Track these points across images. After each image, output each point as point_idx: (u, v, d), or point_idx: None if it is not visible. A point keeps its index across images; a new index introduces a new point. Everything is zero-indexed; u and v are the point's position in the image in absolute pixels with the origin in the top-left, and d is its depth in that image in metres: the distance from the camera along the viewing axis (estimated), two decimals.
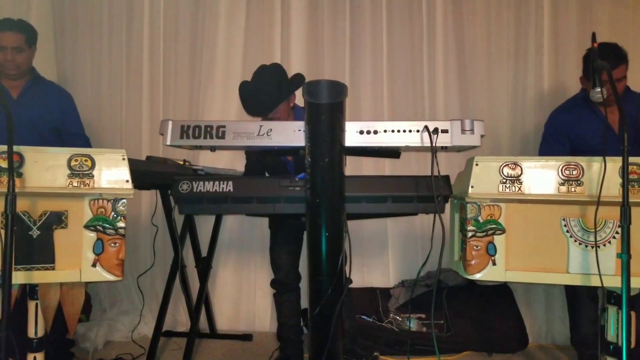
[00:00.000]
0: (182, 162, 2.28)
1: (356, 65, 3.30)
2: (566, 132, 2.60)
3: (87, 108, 3.29)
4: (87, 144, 2.65)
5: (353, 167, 3.16)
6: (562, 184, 1.71)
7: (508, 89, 3.25)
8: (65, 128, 2.59)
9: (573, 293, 2.66)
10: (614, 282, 1.65)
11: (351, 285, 3.14)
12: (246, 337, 3.01)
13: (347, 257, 1.74)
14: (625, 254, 1.51)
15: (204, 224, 3.04)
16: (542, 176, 1.71)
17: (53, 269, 1.58)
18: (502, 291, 2.94)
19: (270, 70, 2.41)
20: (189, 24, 3.36)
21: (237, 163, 3.10)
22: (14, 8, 2.90)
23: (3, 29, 2.40)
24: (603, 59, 2.44)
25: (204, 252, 2.90)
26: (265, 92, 2.30)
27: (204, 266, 2.79)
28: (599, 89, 1.82)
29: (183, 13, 3.36)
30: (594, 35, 1.85)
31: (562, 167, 1.71)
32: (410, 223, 3.21)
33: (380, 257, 3.23)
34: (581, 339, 2.61)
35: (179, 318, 3.19)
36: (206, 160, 3.12)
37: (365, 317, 2.85)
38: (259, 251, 3.28)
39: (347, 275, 1.78)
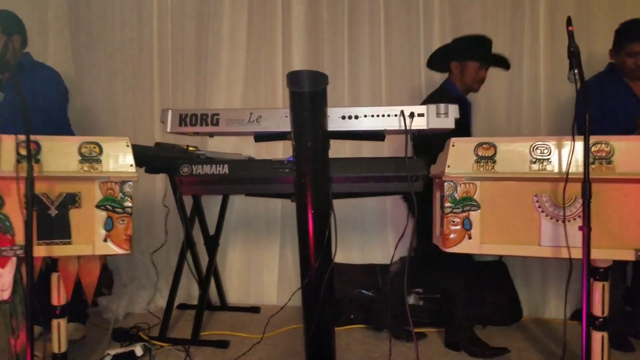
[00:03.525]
0: (185, 148, 2.47)
1: (354, 51, 3.43)
2: (597, 100, 2.64)
3: (101, 98, 3.53)
4: (52, 122, 2.57)
5: (355, 150, 3.32)
6: (534, 162, 1.82)
7: (505, 73, 3.32)
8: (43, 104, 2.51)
9: None
10: (581, 254, 1.76)
11: (353, 262, 3.33)
12: (254, 309, 3.23)
13: (333, 233, 1.89)
14: (586, 227, 1.64)
15: (214, 206, 3.24)
16: (514, 155, 1.81)
17: (70, 243, 1.78)
18: (496, 266, 3.07)
19: None
20: (194, 18, 3.53)
21: (244, 148, 3.29)
22: (32, 7, 3.08)
23: None
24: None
25: (214, 232, 3.09)
26: None
27: (212, 243, 2.99)
28: (574, 71, 1.88)
29: (189, 7, 3.53)
30: (569, 19, 1.94)
31: (533, 147, 1.81)
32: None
33: (381, 235, 3.38)
34: None
35: (192, 292, 3.41)
36: (214, 146, 3.31)
37: (364, 292, 3.02)
38: (264, 231, 3.48)
39: (334, 251, 1.93)
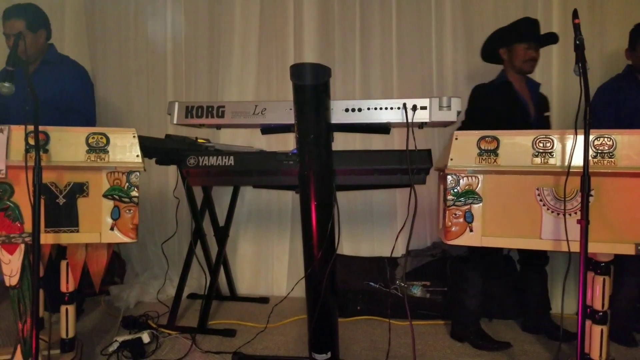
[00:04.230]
0: (194, 140, 2.50)
1: (366, 45, 3.42)
2: (613, 101, 2.67)
3: (116, 92, 3.59)
4: (82, 121, 2.66)
5: (366, 142, 3.32)
6: (536, 156, 1.81)
7: None
8: (70, 102, 2.64)
9: (619, 266, 2.69)
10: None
11: (362, 254, 3.35)
12: (263, 300, 3.27)
13: (337, 224, 1.90)
14: (584, 220, 1.64)
15: (225, 198, 3.28)
16: (516, 149, 1.81)
17: (77, 231, 1.84)
18: (504, 261, 3.05)
19: None
20: (206, 12, 3.57)
21: (255, 141, 3.32)
22: (49, 2, 3.14)
23: (5, 17, 2.54)
24: None
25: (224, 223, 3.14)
26: None
27: (222, 234, 3.04)
28: (579, 65, 1.87)
29: (201, 2, 3.57)
30: (575, 12, 1.93)
31: (536, 140, 1.81)
32: (417, 195, 3.35)
33: (390, 228, 3.39)
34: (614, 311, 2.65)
35: (203, 283, 3.43)
36: (226, 138, 3.35)
37: (372, 284, 3.04)
38: (276, 223, 3.51)
39: (337, 242, 1.95)
